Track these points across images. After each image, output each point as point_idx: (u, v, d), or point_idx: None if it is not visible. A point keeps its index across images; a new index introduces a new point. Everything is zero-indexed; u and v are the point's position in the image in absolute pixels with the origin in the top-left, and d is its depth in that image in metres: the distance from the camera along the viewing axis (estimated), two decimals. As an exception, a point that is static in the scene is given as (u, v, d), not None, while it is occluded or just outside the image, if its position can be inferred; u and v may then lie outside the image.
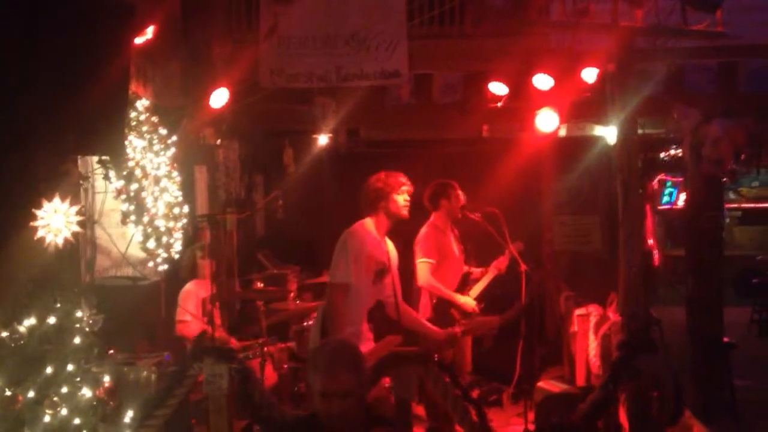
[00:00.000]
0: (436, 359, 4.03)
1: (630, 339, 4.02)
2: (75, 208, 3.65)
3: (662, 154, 10.54)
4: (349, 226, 8.08)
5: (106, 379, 3.62)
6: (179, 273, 6.00)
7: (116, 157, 4.47)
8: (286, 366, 5.77)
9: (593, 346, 5.39)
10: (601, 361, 5.15)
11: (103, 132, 3.80)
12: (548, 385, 5.60)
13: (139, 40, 5.35)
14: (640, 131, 8.69)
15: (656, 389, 3.92)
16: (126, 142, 5.00)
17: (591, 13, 5.17)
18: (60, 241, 3.65)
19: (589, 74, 5.81)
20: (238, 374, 3.80)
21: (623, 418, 4.37)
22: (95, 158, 4.80)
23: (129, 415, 3.58)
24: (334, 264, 4.71)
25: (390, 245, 4.98)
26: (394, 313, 4.85)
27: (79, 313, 3.39)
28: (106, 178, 4.95)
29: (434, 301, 5.99)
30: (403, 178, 5.00)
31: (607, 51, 5.11)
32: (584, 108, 6.65)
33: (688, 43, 6.14)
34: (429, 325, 5.23)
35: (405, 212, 4.94)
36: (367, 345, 4.63)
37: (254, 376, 3.96)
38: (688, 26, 4.85)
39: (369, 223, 4.89)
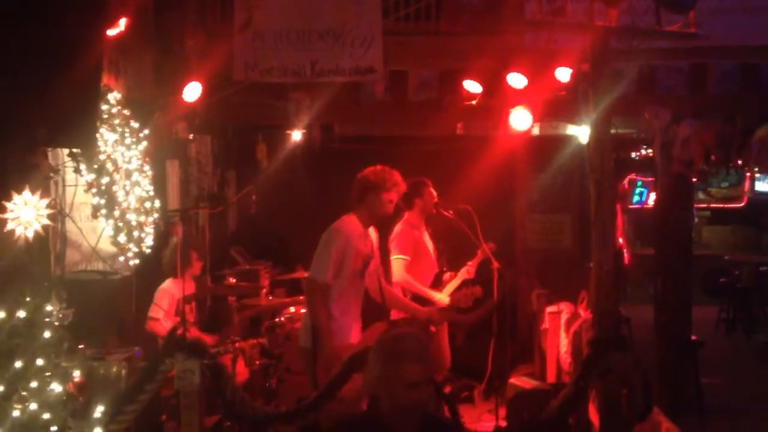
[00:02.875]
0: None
1: (601, 336, 4.06)
2: (45, 201, 3.60)
3: (633, 154, 10.65)
4: (322, 221, 8.06)
5: (76, 374, 3.58)
6: (161, 269, 5.95)
7: (87, 150, 4.42)
8: (258, 362, 5.74)
9: (564, 343, 5.43)
10: (571, 358, 5.19)
11: (75, 125, 3.76)
12: (519, 381, 5.65)
13: (111, 33, 5.30)
14: (612, 131, 8.84)
15: (625, 386, 3.96)
16: (97, 135, 4.95)
17: (566, 13, 5.21)
18: (30, 234, 3.60)
19: (563, 73, 5.84)
20: (209, 370, 3.78)
21: (593, 414, 4.42)
22: (66, 151, 4.74)
23: (99, 411, 3.54)
24: (316, 260, 4.68)
25: (373, 233, 5.00)
26: (378, 297, 4.90)
27: (49, 307, 3.35)
28: (77, 171, 4.89)
29: (408, 297, 6.01)
30: (397, 178, 5.01)
31: (581, 50, 5.15)
32: (558, 107, 6.69)
33: (661, 44, 6.21)
34: (412, 303, 5.33)
35: (388, 210, 4.96)
36: (355, 337, 4.65)
37: (225, 372, 3.94)
38: (661, 27, 4.90)
39: (353, 217, 4.90)
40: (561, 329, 5.58)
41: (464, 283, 6.09)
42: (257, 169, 8.31)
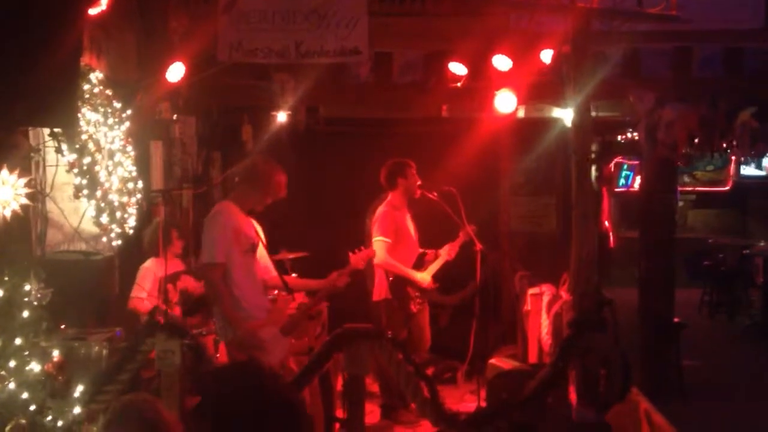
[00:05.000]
0: (389, 336, 4.06)
1: (580, 318, 4.09)
2: (23, 180, 3.58)
3: (619, 137, 10.68)
4: (307, 202, 8.08)
5: (55, 353, 3.58)
6: (142, 249, 5.94)
7: (68, 129, 4.38)
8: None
9: (545, 324, 5.47)
10: (552, 339, 5.24)
11: (55, 104, 3.73)
12: (499, 362, 5.69)
13: (93, 11, 5.25)
14: (594, 114, 8.86)
15: (604, 367, 4.00)
16: (79, 115, 4.92)
17: (550, -6, 5.20)
18: (8, 214, 3.58)
19: (548, 56, 5.85)
20: (190, 350, 3.78)
21: (573, 395, 4.46)
22: (47, 131, 4.71)
23: (78, 390, 3.55)
24: (204, 246, 4.62)
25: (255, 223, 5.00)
26: (273, 287, 4.95)
27: (27, 287, 3.34)
28: (59, 151, 4.86)
29: (390, 279, 6.03)
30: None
31: (563, 32, 5.15)
32: (543, 90, 6.70)
33: (644, 27, 6.22)
34: (312, 281, 5.28)
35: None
36: (262, 314, 4.64)
37: (206, 352, 3.94)
38: (643, 9, 4.90)
39: (230, 203, 4.84)
40: (543, 311, 5.62)
41: (437, 290, 6.13)
42: (243, 150, 8.27)
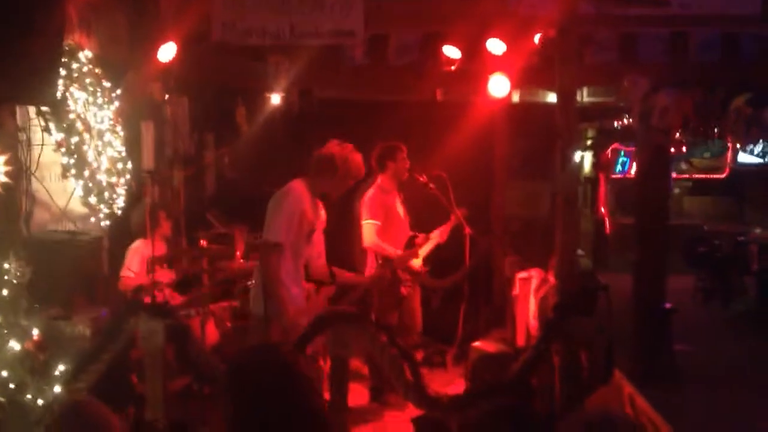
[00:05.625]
0: (374, 318, 4.06)
1: (563, 301, 4.09)
2: (3, 158, 3.57)
3: (616, 123, 10.64)
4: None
5: (36, 332, 3.58)
6: (130, 230, 5.94)
7: (50, 107, 4.36)
8: (229, 324, 5.77)
9: (532, 308, 5.48)
10: (538, 322, 5.24)
11: (37, 81, 3.71)
12: (483, 345, 5.70)
13: (82, -10, 5.24)
14: (590, 99, 8.83)
15: (587, 350, 4.00)
16: (67, 94, 4.90)
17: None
18: (-11, 192, 3.58)
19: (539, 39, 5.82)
20: (173, 331, 3.78)
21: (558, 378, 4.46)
22: (33, 109, 4.69)
23: (60, 369, 3.55)
24: (269, 223, 4.67)
25: (321, 207, 4.99)
26: (317, 273, 4.93)
27: (6, 265, 3.33)
28: (46, 130, 4.85)
29: (380, 261, 6.02)
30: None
31: (551, 16, 5.11)
32: (536, 74, 6.66)
33: (638, 12, 6.17)
34: (351, 274, 5.33)
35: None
36: (302, 302, 4.66)
37: (190, 333, 3.94)
38: (632, -8, 4.86)
39: (303, 183, 4.88)
40: (530, 295, 5.62)
41: (427, 274, 6.12)
42: (237, 132, 8.25)
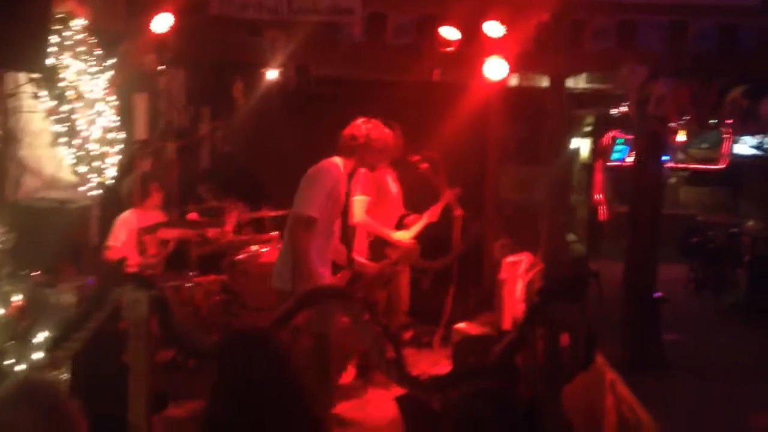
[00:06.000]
0: (357, 296, 4.06)
1: (548, 286, 4.09)
2: (-11, 123, 3.56)
3: (614, 110, 10.60)
4: (295, 162, 8.06)
5: (18, 297, 3.58)
6: (120, 200, 5.94)
7: (37, 72, 4.34)
8: (216, 298, 5.78)
9: (519, 292, 5.49)
10: (525, 306, 5.25)
11: (25, 48, 3.69)
12: (466, 327, 5.72)
13: (77, -43, 5.20)
14: (587, 85, 8.79)
15: (569, 335, 4.00)
16: (56, 61, 4.89)
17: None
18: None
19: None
20: (154, 303, 3.78)
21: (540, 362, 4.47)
22: (24, 76, 4.67)
23: (42, 336, 3.56)
24: (304, 196, 4.76)
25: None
26: (332, 253, 4.99)
27: (-12, 231, 3.33)
28: (36, 97, 4.84)
29: (371, 239, 6.03)
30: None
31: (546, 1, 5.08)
32: (535, 59, 6.63)
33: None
34: (364, 260, 5.41)
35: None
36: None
37: (170, 305, 3.93)
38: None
39: (338, 164, 4.92)
40: (518, 278, 5.62)
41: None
42: (233, 106, 8.23)
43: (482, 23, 6.17)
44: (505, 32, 6.13)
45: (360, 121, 5.10)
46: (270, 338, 2.39)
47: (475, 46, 6.59)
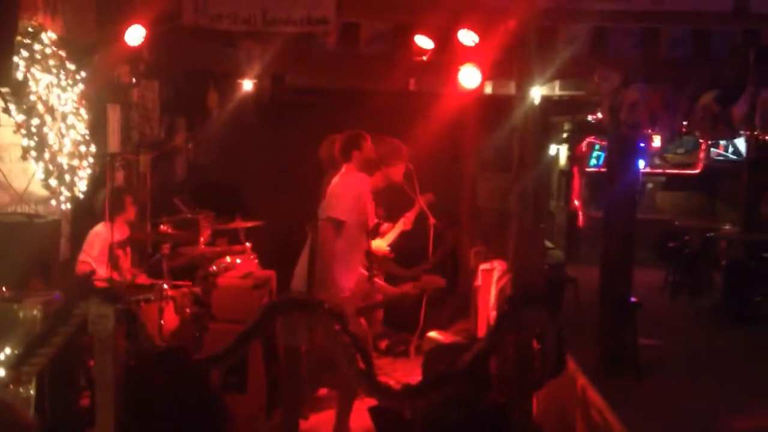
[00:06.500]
0: (326, 306, 4.06)
1: (515, 293, 4.11)
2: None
3: (590, 117, 10.68)
4: (270, 172, 8.09)
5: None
6: (95, 213, 5.90)
7: (5, 87, 4.32)
8: (188, 311, 5.75)
9: (493, 299, 5.50)
10: (496, 313, 5.27)
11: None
12: (438, 335, 5.73)
13: (45, -29, 5.18)
14: (561, 92, 8.83)
15: (539, 342, 4.02)
16: (28, 76, 4.86)
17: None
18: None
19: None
20: (122, 316, 3.76)
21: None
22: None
23: (5, 352, 3.52)
24: (335, 200, 4.97)
25: None
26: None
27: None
28: (6, 111, 4.81)
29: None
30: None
31: (527, 8, 5.10)
32: (509, 66, 6.65)
33: (610, 6, 6.18)
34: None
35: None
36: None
37: (139, 318, 3.92)
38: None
39: (367, 178, 5.23)
40: (492, 286, 5.64)
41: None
42: (208, 117, 8.22)
43: (455, 32, 6.20)
44: (479, 40, 6.16)
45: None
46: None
47: (449, 54, 6.62)
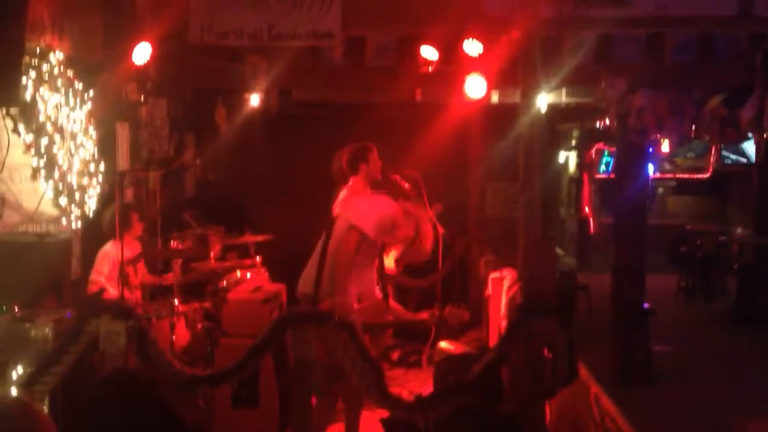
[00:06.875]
0: (336, 319, 4.07)
1: (525, 302, 4.10)
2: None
3: (598, 124, 10.66)
4: (279, 186, 8.12)
5: (-10, 333, 3.59)
6: (102, 231, 5.93)
7: (14, 107, 4.36)
8: (200, 326, 5.76)
9: (503, 308, 5.49)
10: (506, 322, 5.26)
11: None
12: (448, 346, 5.72)
13: (53, -9, 5.24)
14: (568, 99, 8.84)
15: (550, 350, 4.01)
16: (37, 96, 4.91)
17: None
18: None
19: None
20: (133, 332, 3.78)
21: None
22: (2, 111, 4.69)
23: (18, 372, 3.55)
24: (366, 213, 5.03)
25: None
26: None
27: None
28: (15, 131, 4.85)
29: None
30: None
31: (534, 18, 5.12)
32: (515, 75, 6.67)
33: (615, 13, 6.20)
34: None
35: None
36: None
37: (149, 334, 3.94)
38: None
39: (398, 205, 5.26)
40: (502, 295, 5.63)
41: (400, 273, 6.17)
42: (216, 133, 8.27)
43: (460, 43, 6.23)
44: (484, 50, 6.19)
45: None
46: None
47: (454, 65, 6.65)
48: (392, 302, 5.43)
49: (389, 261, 6.07)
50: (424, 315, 5.51)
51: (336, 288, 4.71)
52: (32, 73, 4.93)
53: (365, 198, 5.16)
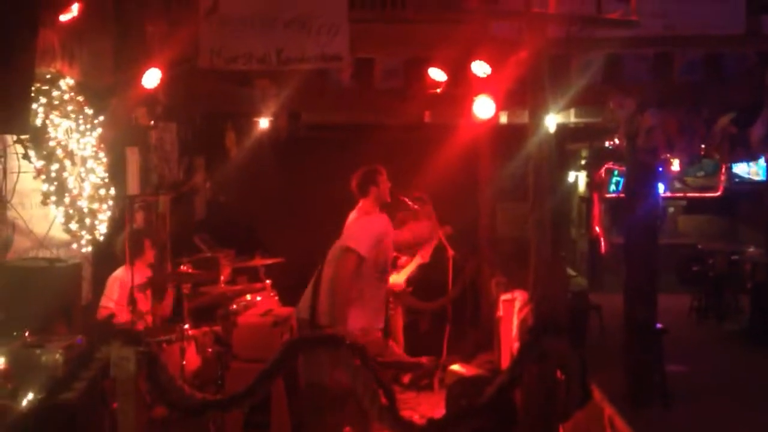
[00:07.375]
0: (348, 343, 4.04)
1: (537, 323, 4.07)
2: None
3: (607, 144, 10.64)
4: (288, 208, 8.14)
5: (1, 360, 3.57)
6: (115, 257, 5.93)
7: (24, 134, 4.39)
8: (210, 350, 5.74)
9: (515, 329, 5.46)
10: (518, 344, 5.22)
11: (7, 109, 3.73)
12: (460, 368, 5.68)
13: (64, 17, 5.28)
14: (577, 120, 8.85)
15: (562, 372, 3.97)
16: (47, 122, 4.94)
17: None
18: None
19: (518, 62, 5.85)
20: (143, 358, 3.77)
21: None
22: (11, 137, 4.71)
23: (28, 398, 3.53)
24: (358, 234, 4.99)
25: None
26: None
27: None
28: (26, 157, 4.87)
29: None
30: None
31: (541, 39, 5.13)
32: (523, 96, 6.69)
33: (623, 33, 6.22)
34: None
35: None
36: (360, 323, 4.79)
37: (159, 360, 3.93)
38: (601, 15, 4.90)
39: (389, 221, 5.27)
40: (514, 316, 5.60)
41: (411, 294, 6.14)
42: (226, 156, 8.30)
43: (468, 64, 6.25)
44: (492, 72, 6.20)
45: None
46: None
47: (463, 86, 6.67)
48: (392, 343, 5.37)
49: (400, 278, 6.04)
50: (424, 359, 5.48)
51: (336, 318, 4.63)
52: (42, 99, 4.96)
53: (357, 219, 5.10)
